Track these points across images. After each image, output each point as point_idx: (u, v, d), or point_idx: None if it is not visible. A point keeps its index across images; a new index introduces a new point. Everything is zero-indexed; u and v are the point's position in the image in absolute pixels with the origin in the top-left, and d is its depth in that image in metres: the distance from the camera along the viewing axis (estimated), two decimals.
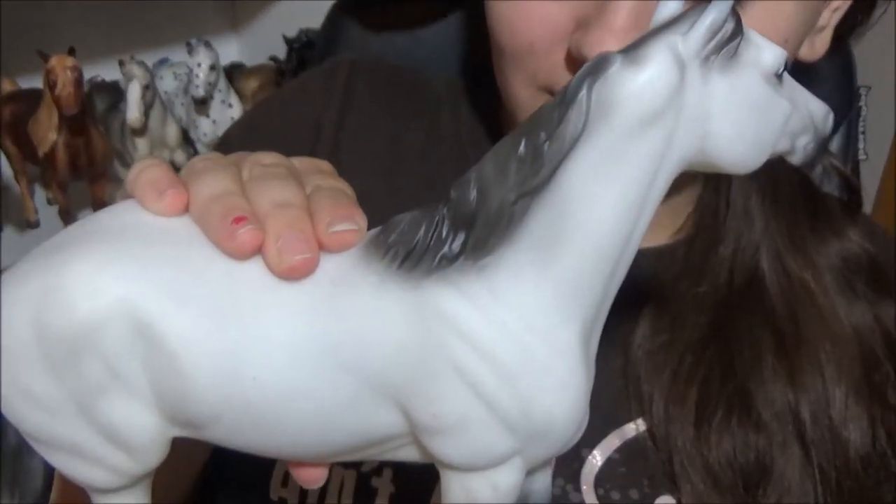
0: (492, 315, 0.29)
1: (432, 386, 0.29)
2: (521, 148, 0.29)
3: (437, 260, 0.29)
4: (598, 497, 0.53)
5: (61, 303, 0.29)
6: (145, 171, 0.33)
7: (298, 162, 0.36)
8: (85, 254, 0.30)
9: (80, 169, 1.12)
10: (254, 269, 0.30)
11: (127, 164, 1.25)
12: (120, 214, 0.32)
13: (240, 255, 0.30)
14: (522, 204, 0.29)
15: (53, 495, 0.36)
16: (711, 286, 0.55)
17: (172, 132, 1.18)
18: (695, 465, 0.51)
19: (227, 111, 1.19)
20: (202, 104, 1.16)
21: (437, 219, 0.30)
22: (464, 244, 0.29)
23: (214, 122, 1.19)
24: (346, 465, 0.55)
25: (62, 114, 1.05)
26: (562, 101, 0.29)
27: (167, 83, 1.25)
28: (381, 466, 0.55)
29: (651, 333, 0.54)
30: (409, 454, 0.32)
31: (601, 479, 0.53)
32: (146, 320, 0.29)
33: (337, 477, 0.55)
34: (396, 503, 0.54)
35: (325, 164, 0.37)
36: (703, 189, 0.58)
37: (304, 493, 0.56)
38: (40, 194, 1.22)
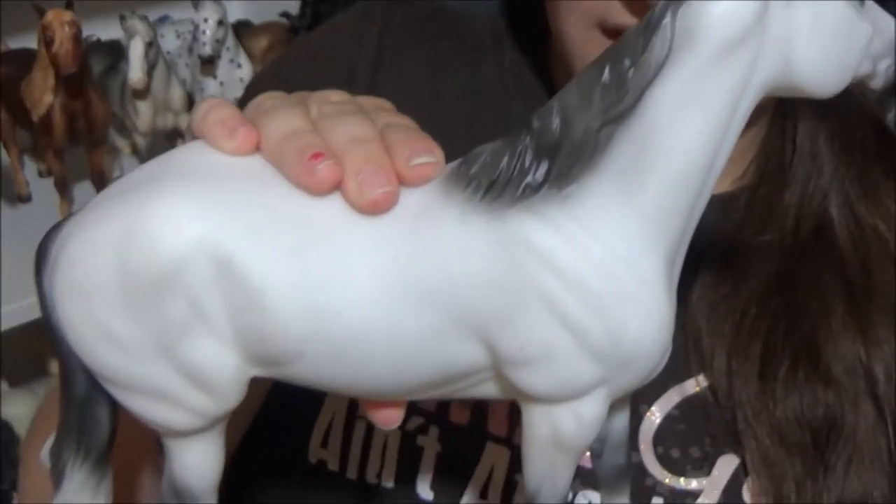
0: (577, 244, 0.32)
1: (518, 317, 0.32)
2: (606, 75, 0.32)
3: (520, 189, 0.32)
4: (657, 456, 0.56)
5: (144, 242, 0.32)
6: (213, 111, 0.36)
7: (362, 100, 0.39)
8: (163, 193, 0.33)
9: (78, 134, 1.13)
10: (330, 206, 0.33)
11: (126, 131, 1.28)
12: (190, 155, 0.35)
13: (318, 190, 0.33)
14: (607, 131, 0.32)
15: None
16: (777, 234, 0.58)
17: (177, 95, 1.20)
18: (760, 421, 0.54)
19: (236, 72, 1.21)
20: (209, 63, 1.18)
21: (519, 148, 0.33)
22: (547, 173, 0.32)
23: (222, 83, 1.21)
24: None
25: (59, 73, 1.05)
26: (646, 27, 0.32)
27: (169, 43, 1.27)
28: (427, 424, 0.57)
29: (712, 285, 0.57)
30: (488, 391, 0.35)
31: (660, 437, 0.56)
32: (227, 257, 0.32)
33: (380, 436, 0.58)
34: (443, 464, 0.57)
35: (386, 103, 0.40)
36: (767, 132, 0.60)
37: (344, 454, 0.58)
38: (31, 167, 1.24)
